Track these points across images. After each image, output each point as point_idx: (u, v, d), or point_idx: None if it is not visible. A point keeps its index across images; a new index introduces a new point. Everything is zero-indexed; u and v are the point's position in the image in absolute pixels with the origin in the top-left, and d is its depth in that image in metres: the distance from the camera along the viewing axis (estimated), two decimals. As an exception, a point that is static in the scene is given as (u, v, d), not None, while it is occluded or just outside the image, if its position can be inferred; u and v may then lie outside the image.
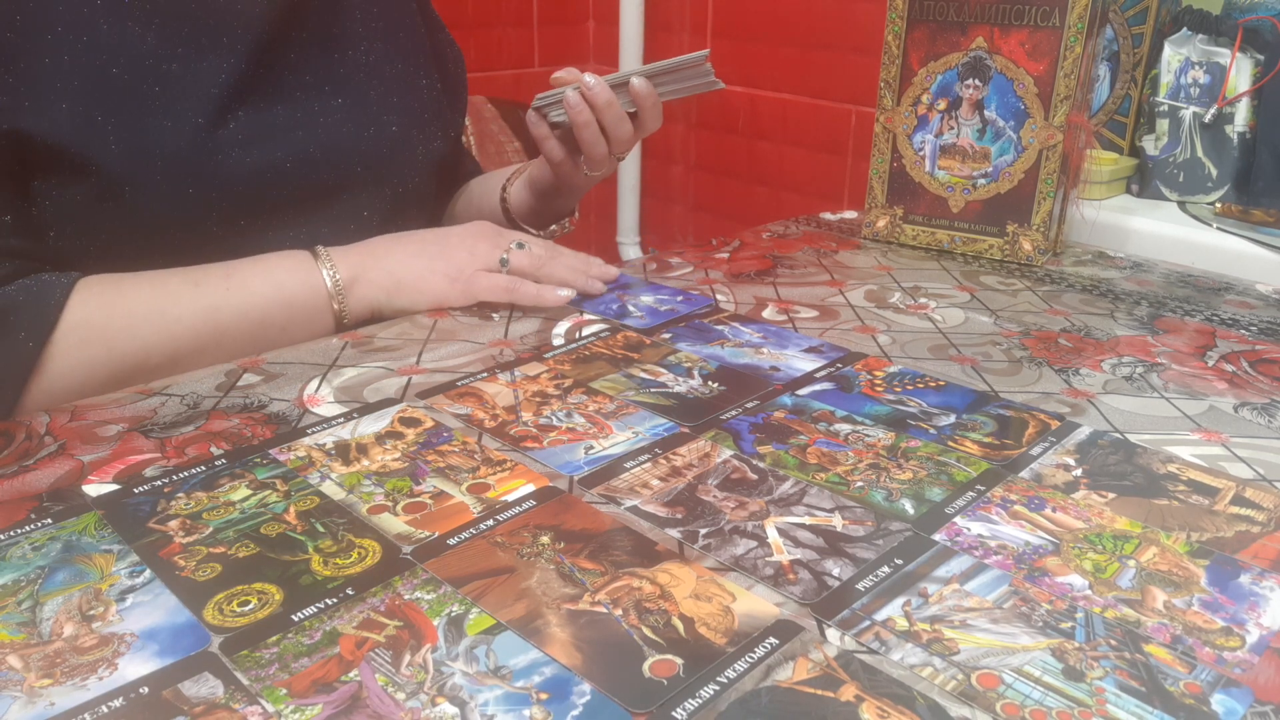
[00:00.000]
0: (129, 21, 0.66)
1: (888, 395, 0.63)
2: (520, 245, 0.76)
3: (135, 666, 0.38)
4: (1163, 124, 1.13)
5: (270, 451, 0.54)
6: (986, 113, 0.91)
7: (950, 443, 0.57)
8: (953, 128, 0.93)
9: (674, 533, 0.48)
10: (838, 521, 0.49)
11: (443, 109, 0.86)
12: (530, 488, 0.51)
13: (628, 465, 0.54)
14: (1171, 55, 1.13)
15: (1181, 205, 1.11)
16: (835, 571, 0.45)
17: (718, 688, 0.37)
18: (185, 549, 0.45)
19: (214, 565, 0.44)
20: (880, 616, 0.42)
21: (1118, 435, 0.59)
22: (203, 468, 0.52)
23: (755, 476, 0.53)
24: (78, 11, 0.65)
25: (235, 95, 0.70)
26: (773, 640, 0.40)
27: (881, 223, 0.98)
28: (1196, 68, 1.12)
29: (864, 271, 0.90)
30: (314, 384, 0.63)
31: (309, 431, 0.57)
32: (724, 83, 0.81)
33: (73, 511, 0.48)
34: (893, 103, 0.95)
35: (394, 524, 0.48)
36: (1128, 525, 0.49)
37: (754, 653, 0.39)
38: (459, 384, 0.64)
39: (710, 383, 0.64)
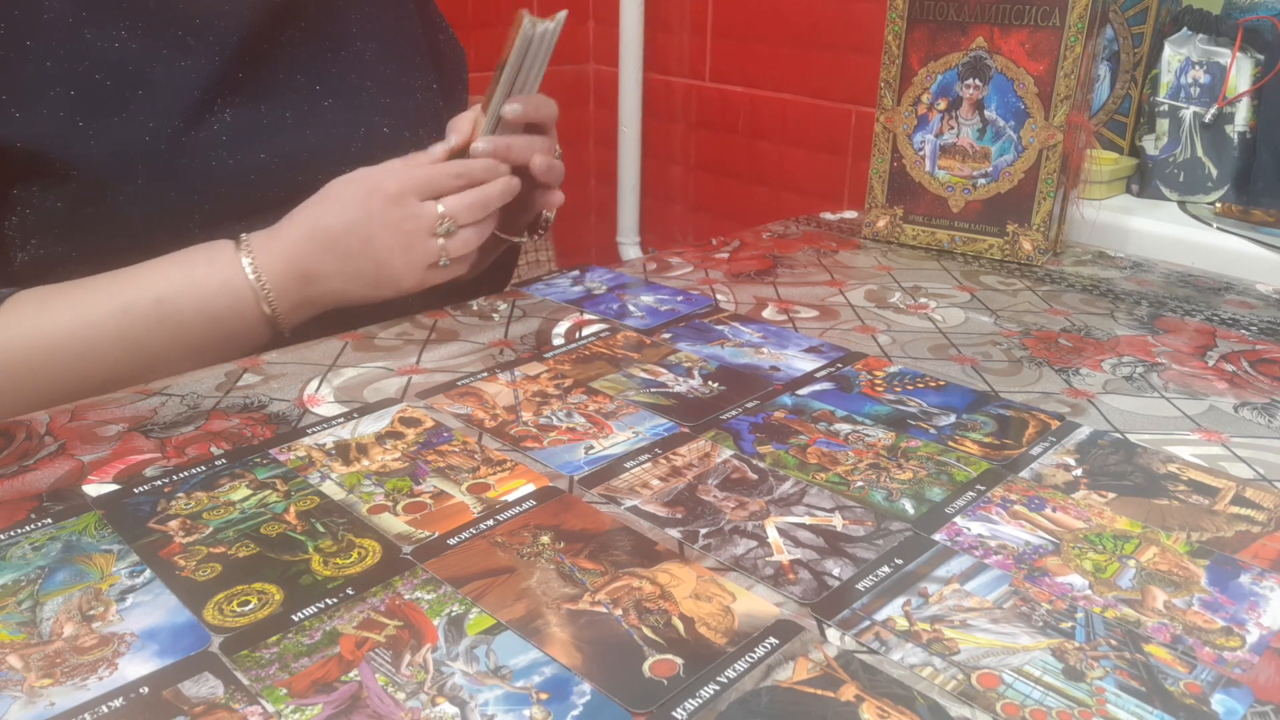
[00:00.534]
0: (113, 27, 0.66)
1: (888, 395, 0.63)
2: (449, 230, 0.68)
3: (135, 666, 0.38)
4: (1163, 124, 1.13)
5: (270, 451, 0.54)
6: (986, 112, 0.91)
7: (950, 443, 0.57)
8: (953, 128, 0.93)
9: (674, 533, 0.48)
10: (838, 521, 0.49)
11: (439, 111, 0.86)
12: (530, 488, 0.51)
13: (628, 465, 0.54)
14: (1171, 55, 1.13)
15: (1181, 205, 1.11)
16: (835, 571, 0.45)
17: (718, 688, 0.37)
18: (185, 549, 0.45)
19: (214, 565, 0.44)
20: (880, 616, 0.42)
21: (1118, 435, 0.59)
22: (203, 468, 0.52)
23: (755, 476, 0.53)
24: (62, 19, 0.65)
25: (219, 95, 0.70)
26: (773, 640, 0.40)
27: (881, 223, 0.98)
28: (1196, 67, 1.12)
29: (864, 271, 0.90)
30: (314, 384, 0.63)
31: (309, 431, 0.57)
32: (564, 11, 0.73)
33: (73, 511, 0.48)
34: (893, 103, 0.95)
35: (394, 524, 0.48)
36: (1128, 525, 0.49)
37: (754, 653, 0.39)
38: (459, 384, 0.64)
39: (710, 383, 0.64)
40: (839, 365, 0.68)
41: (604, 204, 2.01)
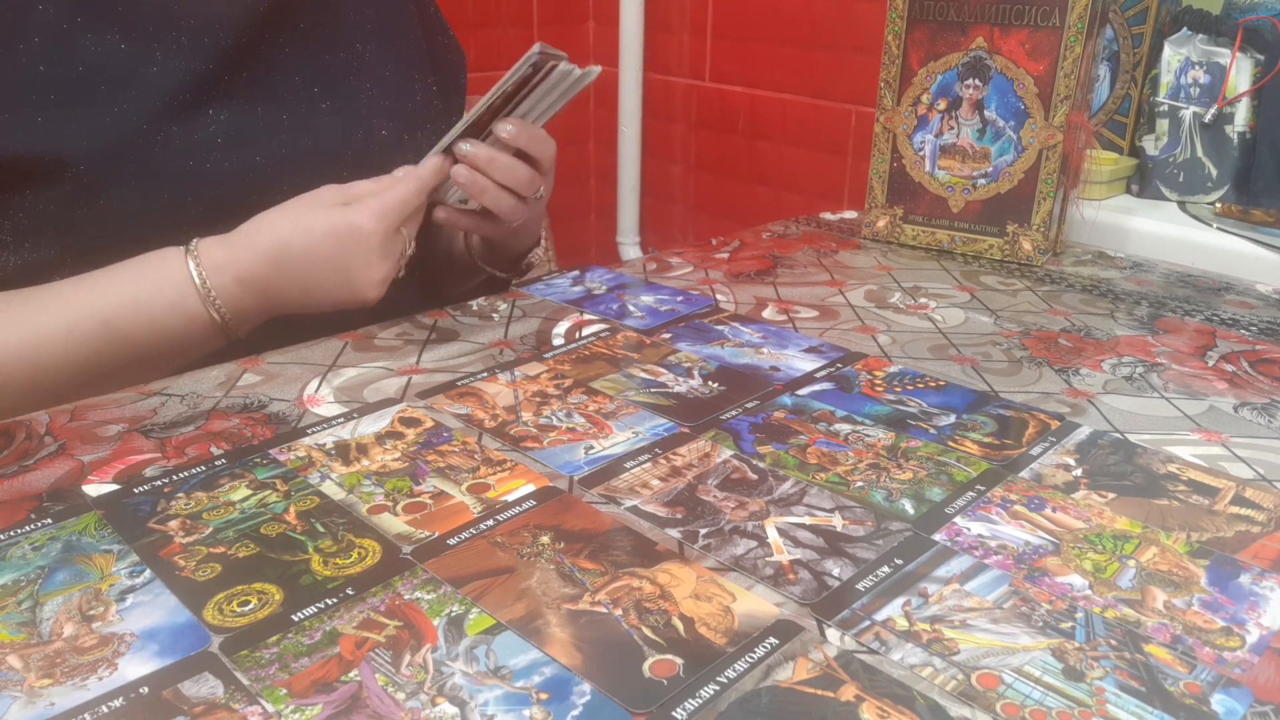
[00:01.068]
0: (106, 30, 0.66)
1: (888, 395, 0.63)
2: (406, 251, 0.69)
3: (135, 666, 0.38)
4: (1163, 124, 1.13)
5: (270, 451, 0.54)
6: (986, 113, 0.91)
7: (950, 443, 0.57)
8: (953, 128, 0.93)
9: (674, 533, 0.48)
10: (838, 521, 0.49)
11: (437, 114, 0.86)
12: (530, 488, 0.51)
13: (628, 465, 0.54)
14: (1171, 55, 1.13)
15: (1181, 205, 1.11)
16: (835, 571, 0.45)
17: (718, 688, 0.37)
18: (185, 549, 0.45)
19: (214, 565, 0.44)
20: (880, 616, 0.42)
21: (1118, 435, 0.59)
22: (203, 468, 0.52)
23: (755, 476, 0.53)
24: (54, 21, 0.64)
25: (215, 97, 0.69)
26: (773, 640, 0.40)
27: (881, 223, 0.98)
28: (1196, 68, 1.12)
29: (864, 271, 0.90)
30: (314, 384, 0.63)
31: (309, 431, 0.57)
32: (598, 67, 0.72)
33: (73, 511, 0.48)
34: (893, 103, 0.95)
35: (394, 524, 0.48)
36: (1128, 525, 0.49)
37: (754, 653, 0.39)
38: (459, 384, 0.64)
39: (710, 383, 0.64)
40: (839, 365, 0.68)
41: (604, 204, 2.01)
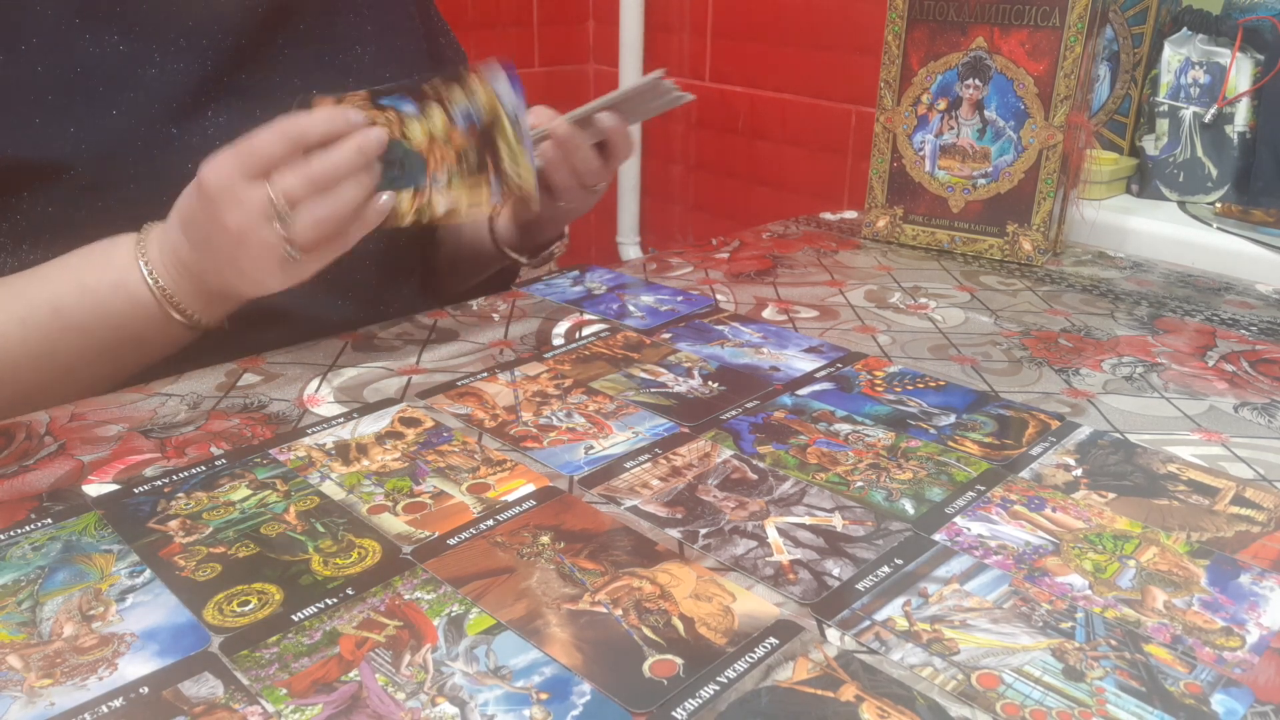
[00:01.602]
0: (106, 30, 0.66)
1: (888, 395, 0.63)
2: (283, 215, 0.56)
3: (135, 666, 0.38)
4: (1163, 124, 1.13)
5: (270, 451, 0.54)
6: (986, 113, 0.91)
7: (950, 443, 0.57)
8: (953, 128, 0.93)
9: (674, 533, 0.48)
10: (838, 521, 0.49)
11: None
12: (530, 488, 0.51)
13: (628, 465, 0.54)
14: (1171, 55, 1.13)
15: (1181, 205, 1.11)
16: (835, 571, 0.45)
17: (718, 688, 0.37)
18: (185, 549, 0.45)
19: (214, 565, 0.44)
20: (880, 616, 0.42)
21: (1118, 435, 0.59)
22: (203, 468, 0.52)
23: (755, 476, 0.53)
24: (54, 25, 0.64)
25: (214, 99, 0.69)
26: (773, 640, 0.40)
27: (881, 223, 0.98)
28: (1196, 68, 1.12)
29: (864, 271, 0.90)
30: (314, 384, 0.63)
31: (309, 431, 0.57)
32: (691, 95, 0.79)
33: (73, 511, 0.48)
34: (893, 103, 0.95)
35: (394, 524, 0.48)
36: (1128, 525, 0.49)
37: (754, 653, 0.39)
38: (459, 384, 0.64)
39: (710, 383, 0.64)
40: (839, 365, 0.68)
41: (604, 204, 2.00)
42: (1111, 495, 0.52)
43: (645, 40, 1.82)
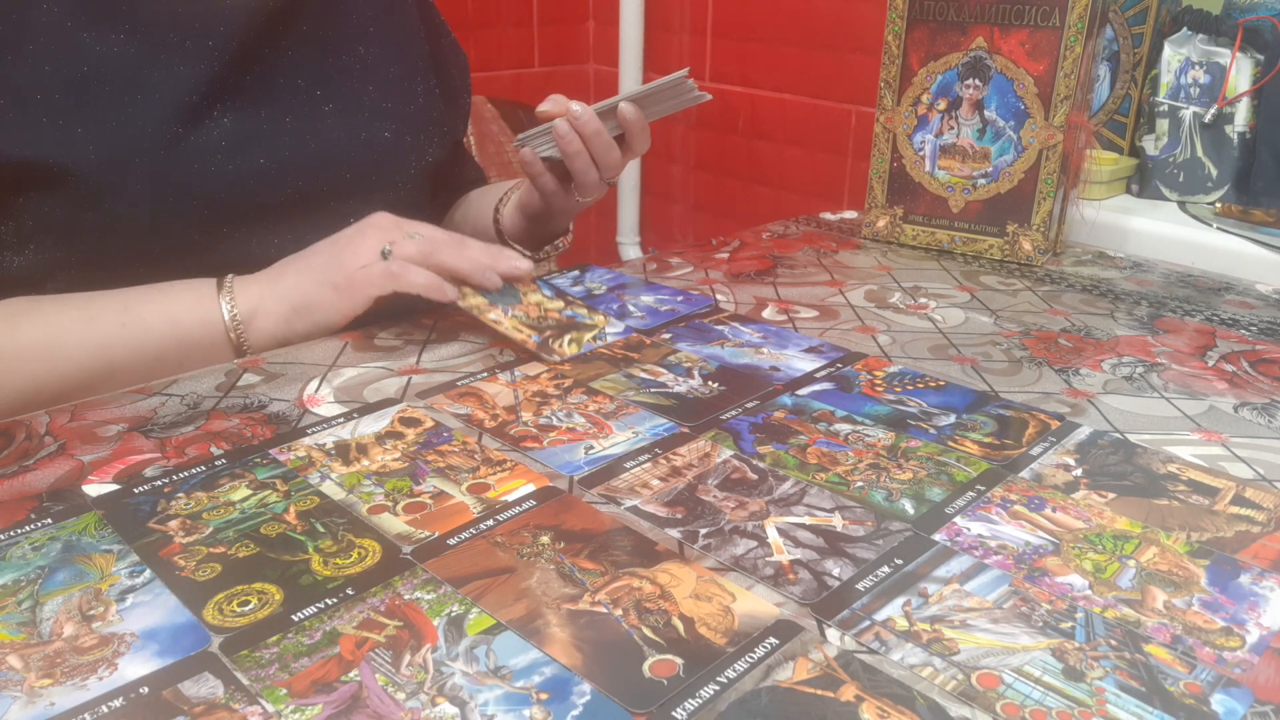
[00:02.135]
0: (110, 31, 0.66)
1: (888, 395, 0.63)
2: (412, 235, 0.69)
3: (135, 666, 0.38)
4: (1163, 124, 1.13)
5: (270, 451, 0.54)
6: (986, 113, 0.91)
7: (950, 443, 0.57)
8: (953, 128, 0.93)
9: (674, 533, 0.48)
10: (838, 521, 0.49)
11: (440, 115, 0.86)
12: (530, 488, 0.51)
13: (628, 465, 0.54)
14: (1171, 55, 1.13)
15: (1181, 205, 1.11)
16: (835, 571, 0.45)
17: (718, 688, 0.37)
18: (185, 549, 0.45)
19: (214, 565, 0.44)
20: (880, 616, 0.42)
21: (1118, 435, 0.59)
22: (203, 468, 0.52)
23: (755, 476, 0.53)
24: (60, 24, 0.64)
25: (218, 100, 0.69)
26: (773, 640, 0.40)
27: (881, 223, 0.98)
28: (1196, 68, 1.12)
29: (864, 271, 0.90)
30: (314, 384, 0.63)
31: (309, 431, 0.57)
32: (709, 95, 0.80)
33: (73, 511, 0.48)
34: (893, 103, 0.95)
35: (394, 524, 0.48)
36: (1128, 525, 0.49)
37: (754, 653, 0.39)
38: (459, 384, 0.64)
39: (710, 383, 0.64)
40: (839, 365, 0.68)
41: (604, 204, 2.01)
42: (1111, 495, 0.52)
43: (645, 40, 1.83)
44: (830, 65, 1.58)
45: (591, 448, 0.56)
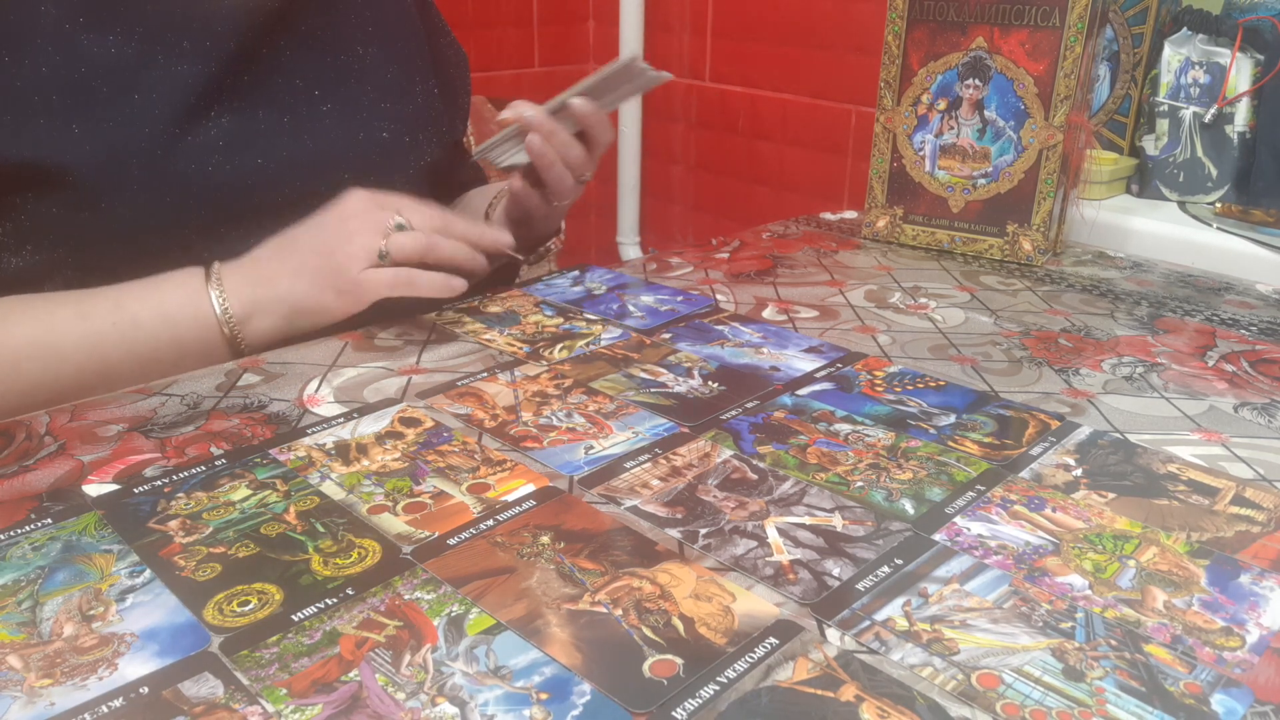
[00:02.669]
0: (109, 32, 0.66)
1: (888, 395, 0.63)
2: (400, 226, 0.68)
3: (135, 666, 0.38)
4: (1163, 124, 1.13)
5: (270, 451, 0.54)
6: (986, 113, 0.91)
7: (950, 443, 0.57)
8: (953, 128, 0.93)
9: (674, 533, 0.48)
10: (838, 521, 0.49)
11: (439, 115, 0.85)
12: (530, 488, 0.51)
13: (628, 465, 0.54)
14: (1171, 55, 1.13)
15: (1181, 205, 1.11)
16: (835, 571, 0.45)
17: (718, 688, 0.37)
18: (185, 549, 0.45)
19: (214, 565, 0.44)
20: (880, 616, 0.42)
21: (1118, 435, 0.59)
22: (203, 468, 0.52)
23: (755, 476, 0.53)
24: (58, 28, 0.64)
25: (216, 101, 0.69)
26: (773, 640, 0.40)
27: (881, 223, 0.98)
28: (1196, 68, 1.12)
29: (864, 271, 0.90)
30: (314, 384, 0.63)
31: (309, 431, 0.57)
32: (669, 74, 0.77)
33: (73, 511, 0.48)
34: (893, 103, 0.95)
35: (394, 524, 0.48)
36: (1128, 525, 0.49)
37: (754, 653, 0.39)
38: (459, 384, 0.64)
39: (710, 383, 0.64)
40: (839, 365, 0.68)
41: (604, 204, 2.01)
42: (1111, 495, 0.52)
43: (645, 40, 1.82)
44: (830, 65, 1.58)
45: (591, 448, 0.56)
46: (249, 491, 0.50)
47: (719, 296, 0.82)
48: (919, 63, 0.92)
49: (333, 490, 0.51)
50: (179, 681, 0.37)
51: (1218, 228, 1.02)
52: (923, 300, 0.82)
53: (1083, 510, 0.50)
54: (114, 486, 0.51)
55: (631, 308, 0.78)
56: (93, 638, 0.40)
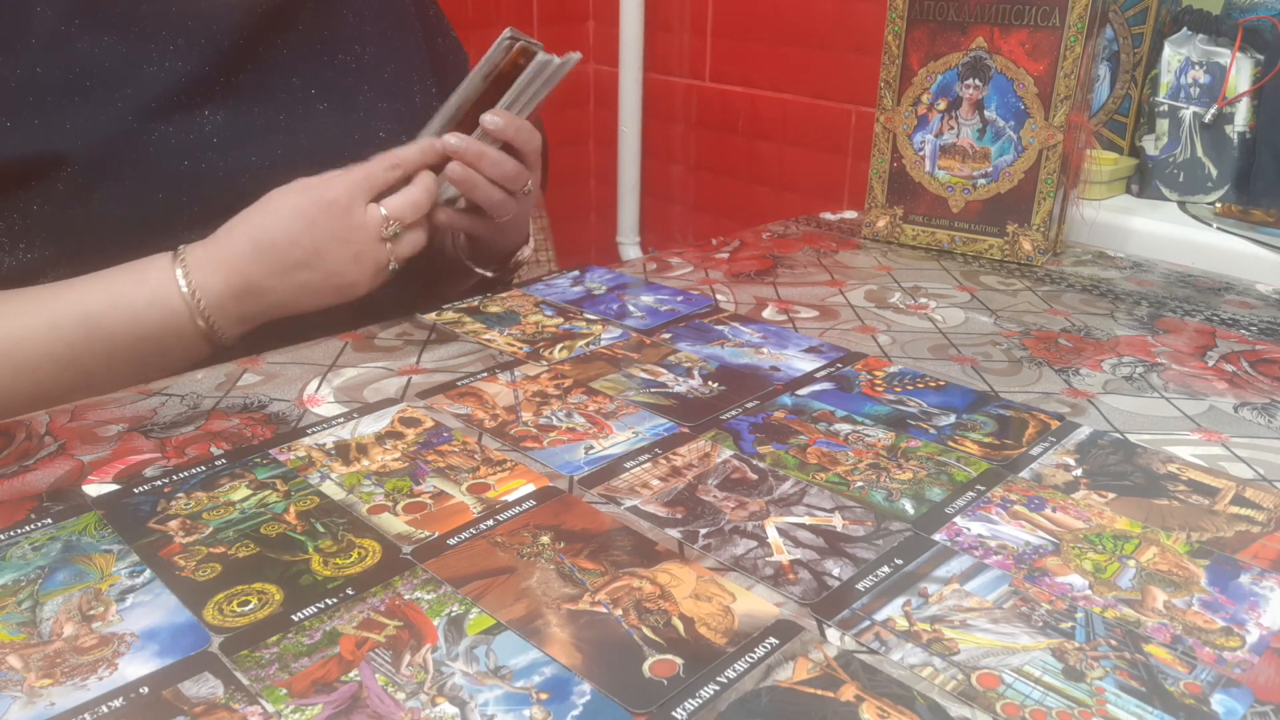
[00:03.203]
0: (103, 32, 0.66)
1: (888, 395, 0.63)
2: (395, 233, 0.67)
3: (135, 666, 0.38)
4: (1163, 124, 1.13)
5: (270, 451, 0.54)
6: (986, 113, 0.91)
7: (950, 443, 0.57)
8: (953, 128, 0.93)
9: (674, 533, 0.48)
10: (838, 521, 0.49)
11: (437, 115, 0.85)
12: (530, 488, 0.51)
13: (628, 465, 0.54)
14: (1171, 55, 1.13)
15: (1181, 205, 1.11)
16: (835, 571, 0.45)
17: (718, 688, 0.37)
18: (185, 549, 0.45)
19: (214, 565, 0.44)
20: (880, 616, 0.42)
21: (1118, 435, 0.59)
22: (203, 468, 0.52)
23: (755, 476, 0.53)
24: (53, 26, 0.64)
25: (211, 98, 0.69)
26: (773, 640, 0.40)
27: (881, 223, 0.98)
28: (1196, 68, 1.12)
29: (864, 271, 0.90)
30: (314, 384, 0.63)
31: (309, 431, 0.57)
32: (578, 53, 0.71)
33: (73, 511, 0.48)
34: (893, 103, 0.95)
35: (394, 524, 0.48)
36: (1128, 525, 0.49)
37: (754, 653, 0.39)
38: (459, 384, 0.64)
39: (710, 383, 0.64)
40: (839, 365, 0.68)
41: (604, 204, 2.01)
42: (1111, 495, 0.52)
43: (645, 40, 1.82)
44: (830, 65, 1.58)
45: (591, 448, 0.56)
46: (249, 491, 0.50)
47: (719, 296, 0.82)
48: (919, 63, 0.92)
49: (333, 490, 0.51)
50: (179, 681, 0.37)
51: (1218, 228, 1.02)
52: (923, 300, 0.82)
53: (1083, 510, 0.50)
54: (114, 486, 0.51)
55: (631, 308, 0.78)
56: (93, 638, 0.40)
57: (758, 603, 0.42)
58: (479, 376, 0.65)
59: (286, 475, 0.52)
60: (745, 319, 0.76)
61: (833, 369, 0.67)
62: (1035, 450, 0.56)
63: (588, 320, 0.75)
